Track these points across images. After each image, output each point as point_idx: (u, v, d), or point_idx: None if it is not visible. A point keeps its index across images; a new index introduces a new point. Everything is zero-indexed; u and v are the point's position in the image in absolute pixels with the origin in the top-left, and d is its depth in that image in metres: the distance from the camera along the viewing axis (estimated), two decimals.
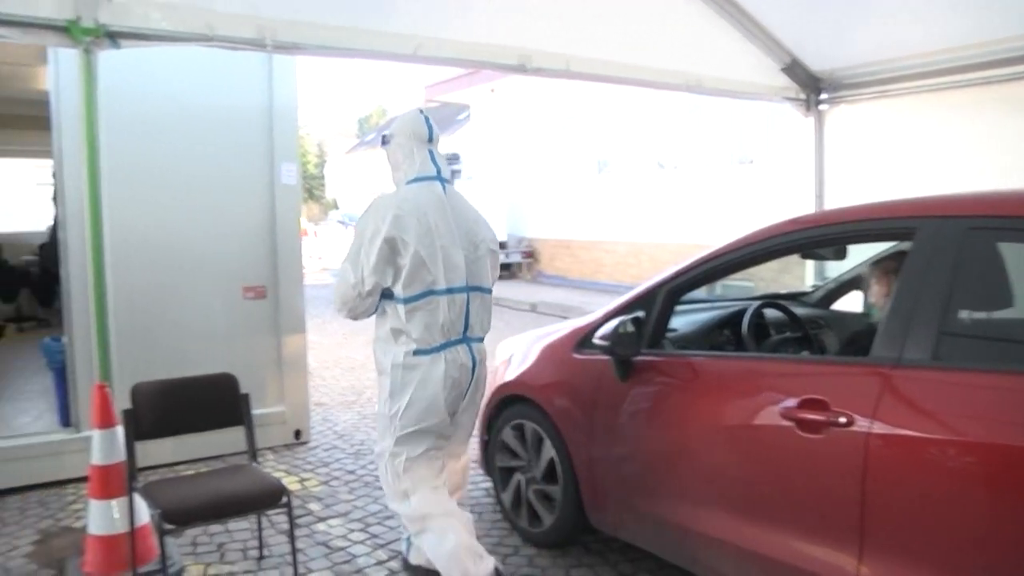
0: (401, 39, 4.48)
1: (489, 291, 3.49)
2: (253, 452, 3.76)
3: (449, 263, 3.25)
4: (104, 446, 3.54)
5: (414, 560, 3.60)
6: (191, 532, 4.01)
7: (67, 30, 3.43)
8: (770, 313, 3.91)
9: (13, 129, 9.57)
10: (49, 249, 8.58)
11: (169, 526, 3.16)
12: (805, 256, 5.04)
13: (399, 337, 3.27)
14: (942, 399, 2.46)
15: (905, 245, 2.81)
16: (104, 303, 3.60)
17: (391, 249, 3.18)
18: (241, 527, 4.16)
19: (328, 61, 39.48)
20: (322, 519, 4.37)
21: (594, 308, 4.12)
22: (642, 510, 3.38)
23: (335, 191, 46.48)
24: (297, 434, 5.70)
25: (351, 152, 43.30)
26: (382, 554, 3.92)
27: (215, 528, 4.13)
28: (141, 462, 3.54)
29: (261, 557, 3.89)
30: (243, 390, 3.76)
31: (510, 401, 4.16)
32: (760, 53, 5.77)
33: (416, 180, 3.38)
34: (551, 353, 4.00)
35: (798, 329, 3.87)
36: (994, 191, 2.90)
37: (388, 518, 4.24)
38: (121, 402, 3.54)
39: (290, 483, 4.83)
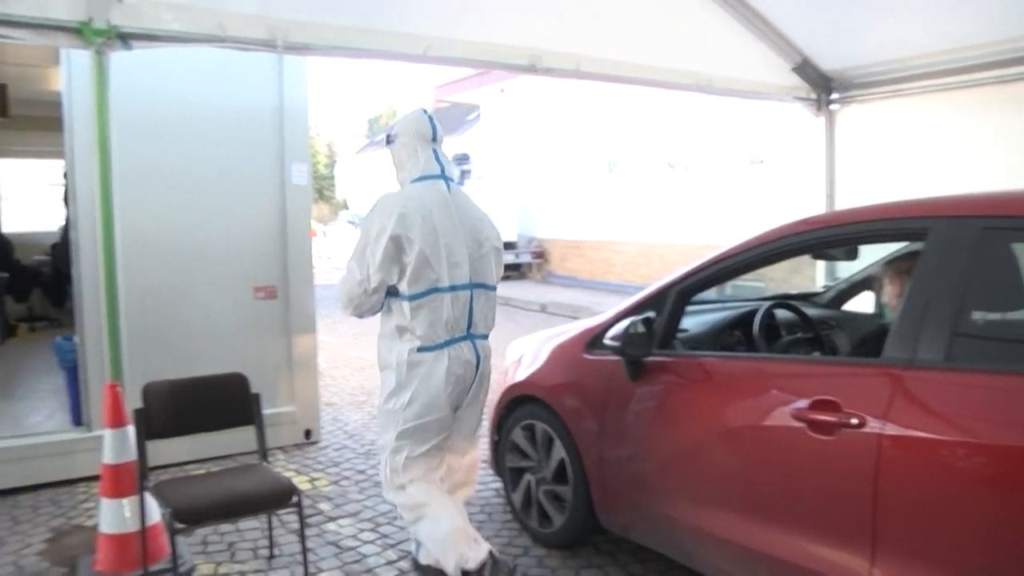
0: (411, 39, 4.48)
1: (493, 288, 3.51)
2: (264, 452, 3.77)
3: (453, 261, 3.28)
4: (115, 445, 3.56)
5: (424, 560, 3.61)
6: (202, 531, 4.02)
7: (79, 31, 3.45)
8: (781, 314, 3.89)
9: (26, 130, 9.64)
10: (61, 249, 8.62)
11: (180, 525, 3.17)
12: (817, 257, 5.03)
13: (404, 334, 3.30)
14: (955, 400, 2.45)
15: (918, 245, 2.79)
16: (115, 303, 3.62)
17: (396, 247, 3.20)
18: (251, 526, 4.17)
19: (338, 61, 39.59)
20: (332, 519, 4.38)
21: (604, 308, 4.11)
22: (653, 511, 3.37)
23: (345, 191, 46.60)
24: (307, 434, 5.71)
25: (361, 152, 43.44)
26: (392, 554, 3.92)
27: (226, 527, 4.14)
28: (152, 461, 3.55)
29: (271, 556, 3.90)
30: (254, 390, 3.77)
31: (520, 401, 4.16)
32: (771, 52, 5.76)
33: (421, 179, 3.40)
34: (561, 353, 4.00)
35: (809, 330, 3.85)
36: (1008, 191, 2.89)
37: (398, 518, 4.24)
38: (132, 401, 3.55)
39: (300, 483, 4.84)
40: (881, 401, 2.50)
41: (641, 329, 3.29)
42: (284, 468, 5.12)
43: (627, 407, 3.44)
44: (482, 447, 4.13)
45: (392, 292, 3.28)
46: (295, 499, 3.41)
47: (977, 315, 2.48)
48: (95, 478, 3.79)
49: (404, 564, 3.79)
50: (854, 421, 2.53)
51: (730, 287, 9.46)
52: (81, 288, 4.79)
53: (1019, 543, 2.23)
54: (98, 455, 3.64)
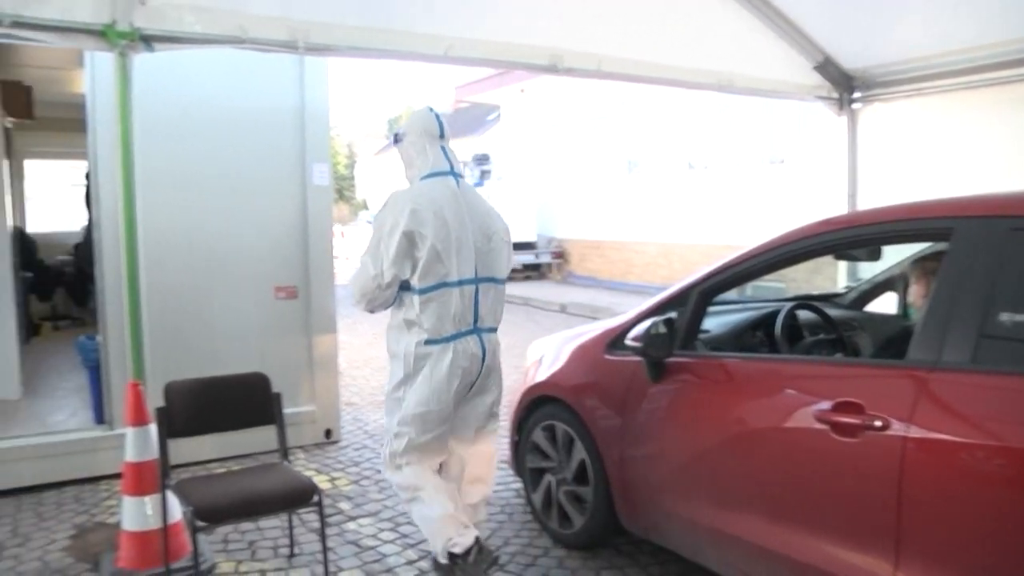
0: (432, 40, 4.49)
1: (503, 282, 3.57)
2: (284, 451, 3.79)
3: (461, 256, 3.34)
4: (137, 443, 3.59)
5: (444, 560, 3.61)
6: (223, 529, 4.05)
7: (103, 34, 3.49)
8: (803, 315, 3.86)
9: (50, 131, 9.74)
10: (84, 249, 8.69)
11: (201, 523, 3.19)
12: (839, 257, 4.98)
13: (411, 327, 3.38)
14: (981, 403, 2.42)
15: (943, 245, 2.76)
16: (138, 303, 3.65)
17: (409, 242, 3.27)
18: (272, 525, 4.19)
19: (357, 62, 39.71)
20: (352, 518, 4.39)
21: (624, 309, 4.10)
22: (673, 512, 3.35)
23: (365, 192, 46.70)
24: (328, 433, 5.73)
25: (381, 153, 43.51)
26: (412, 554, 3.92)
27: (246, 526, 4.16)
28: (174, 459, 3.57)
29: (292, 555, 3.91)
30: (275, 389, 3.78)
31: (541, 402, 4.15)
32: (792, 51, 5.72)
33: (430, 176, 3.47)
34: (582, 354, 3.99)
35: (832, 331, 3.81)
36: None
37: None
38: (154, 400, 3.58)
39: (321, 482, 4.86)
40: (905, 403, 2.47)
41: (663, 330, 3.29)
42: (304, 467, 5.14)
43: (648, 408, 3.43)
44: (502, 447, 4.13)
45: (403, 286, 3.36)
46: (315, 498, 3.42)
47: (1004, 316, 2.44)
48: (118, 476, 3.83)
49: (424, 564, 3.79)
50: (878, 423, 2.50)
51: (750, 288, 9.40)
52: (104, 288, 4.84)
53: None
54: (121, 453, 3.68)
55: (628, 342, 3.39)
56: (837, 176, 6.35)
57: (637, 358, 3.41)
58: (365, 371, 8.33)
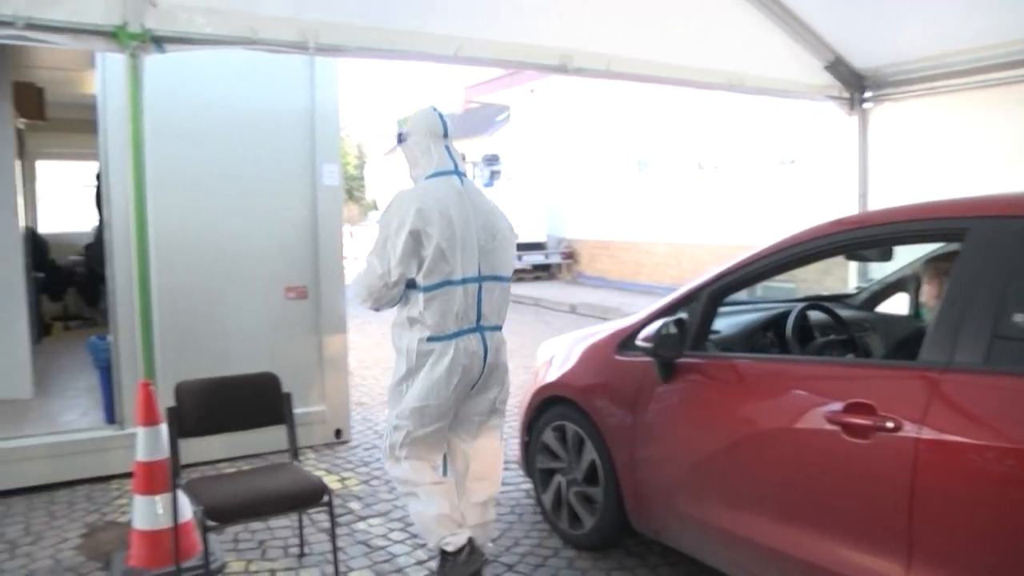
0: (442, 40, 4.49)
1: (507, 280, 3.56)
2: (294, 451, 3.79)
3: (466, 254, 3.35)
4: (148, 443, 3.60)
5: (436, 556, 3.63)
6: (233, 529, 4.06)
7: (114, 35, 3.50)
8: (814, 315, 3.85)
9: (61, 132, 9.79)
10: (95, 249, 8.72)
11: (212, 523, 3.20)
12: (851, 258, 4.95)
13: (415, 324, 3.39)
14: (994, 404, 2.40)
15: (957, 245, 2.74)
16: (149, 303, 3.65)
17: (415, 241, 3.28)
18: (282, 524, 4.19)
19: (367, 62, 39.75)
20: (362, 518, 4.39)
21: (634, 309, 4.09)
22: (684, 513, 3.34)
23: (375, 192, 46.75)
24: (338, 433, 5.74)
25: (390, 153, 43.54)
26: (422, 554, 3.92)
27: (257, 525, 4.17)
28: (184, 459, 3.59)
29: (302, 555, 3.92)
30: (285, 389, 3.79)
31: (551, 402, 4.15)
32: (803, 51, 5.69)
33: (435, 175, 3.48)
34: (593, 354, 3.98)
35: (843, 332, 3.79)
36: None
37: None
38: (165, 400, 3.59)
39: (331, 482, 4.87)
40: (918, 404, 2.46)
41: (673, 330, 3.28)
42: (314, 467, 5.15)
43: (659, 408, 3.42)
44: (512, 447, 4.13)
45: (409, 284, 3.37)
46: (326, 498, 3.43)
47: (1018, 317, 2.42)
48: (128, 475, 3.85)
49: (434, 564, 3.78)
50: (890, 425, 2.49)
51: (760, 288, 9.37)
52: (115, 288, 4.85)
53: None
54: (131, 452, 3.68)
55: (639, 343, 3.39)
56: (848, 176, 6.33)
57: (648, 359, 3.40)
58: (375, 371, 8.34)
